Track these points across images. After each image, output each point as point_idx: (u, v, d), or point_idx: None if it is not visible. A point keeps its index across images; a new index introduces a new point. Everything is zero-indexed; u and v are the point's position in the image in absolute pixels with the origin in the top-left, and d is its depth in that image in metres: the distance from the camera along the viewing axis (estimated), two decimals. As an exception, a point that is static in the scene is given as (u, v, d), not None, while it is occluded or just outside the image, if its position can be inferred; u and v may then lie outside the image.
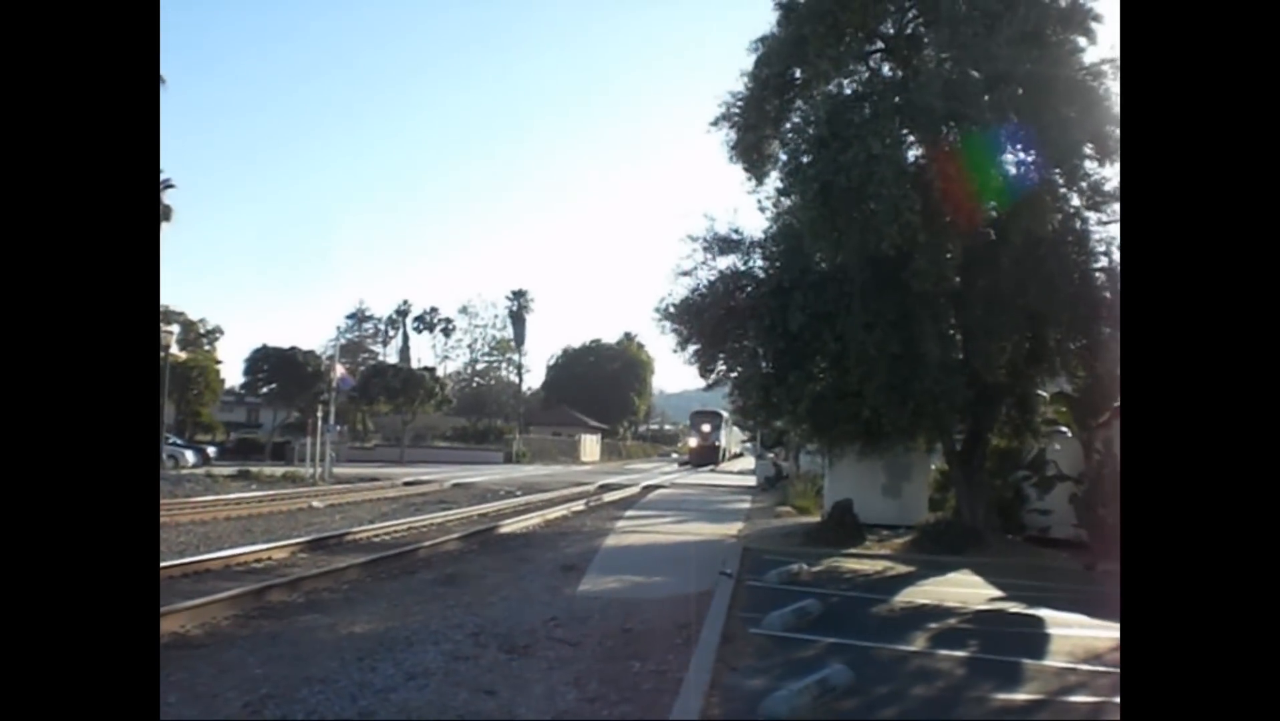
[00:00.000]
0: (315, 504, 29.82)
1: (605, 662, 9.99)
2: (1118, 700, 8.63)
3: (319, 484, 40.26)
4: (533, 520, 26.55)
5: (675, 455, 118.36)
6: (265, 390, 73.12)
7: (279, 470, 46.48)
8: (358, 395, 76.29)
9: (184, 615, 10.97)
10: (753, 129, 20.54)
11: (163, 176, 57.50)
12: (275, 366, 70.02)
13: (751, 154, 20.80)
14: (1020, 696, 8.84)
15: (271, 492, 33.53)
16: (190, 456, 51.60)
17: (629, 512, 31.02)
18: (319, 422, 45.57)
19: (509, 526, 24.31)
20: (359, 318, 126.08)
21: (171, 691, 8.26)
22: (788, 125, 19.85)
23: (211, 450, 58.63)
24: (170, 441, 50.66)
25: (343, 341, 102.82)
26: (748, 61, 21.05)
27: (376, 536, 21.49)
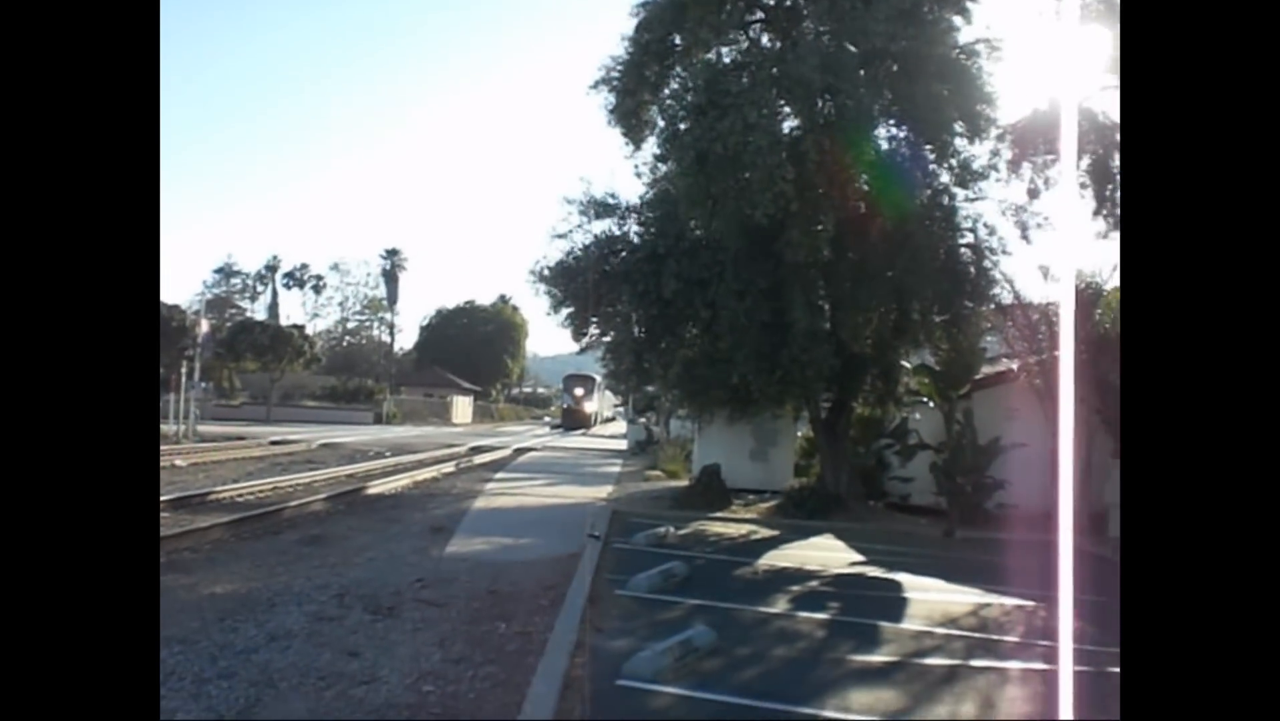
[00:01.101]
0: (178, 462, 29.08)
1: (471, 624, 10.01)
2: (972, 662, 8.99)
3: (182, 441, 39.21)
4: (402, 481, 26.33)
5: (548, 418, 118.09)
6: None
7: (140, 427, 45.11)
8: (224, 352, 74.48)
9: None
10: (631, 94, 20.52)
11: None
12: (137, 320, 67.84)
13: (630, 119, 20.79)
14: (877, 658, 9.10)
15: (131, 450, 32.58)
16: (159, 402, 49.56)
17: (500, 475, 30.95)
18: (183, 379, 44.39)
19: (377, 487, 24.08)
20: (226, 272, 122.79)
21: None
22: (666, 91, 19.89)
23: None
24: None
25: (209, 296, 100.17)
26: (629, 25, 21.03)
27: (241, 496, 21.06)
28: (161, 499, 18.51)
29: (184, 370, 45.68)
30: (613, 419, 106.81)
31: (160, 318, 66.56)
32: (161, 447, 34.80)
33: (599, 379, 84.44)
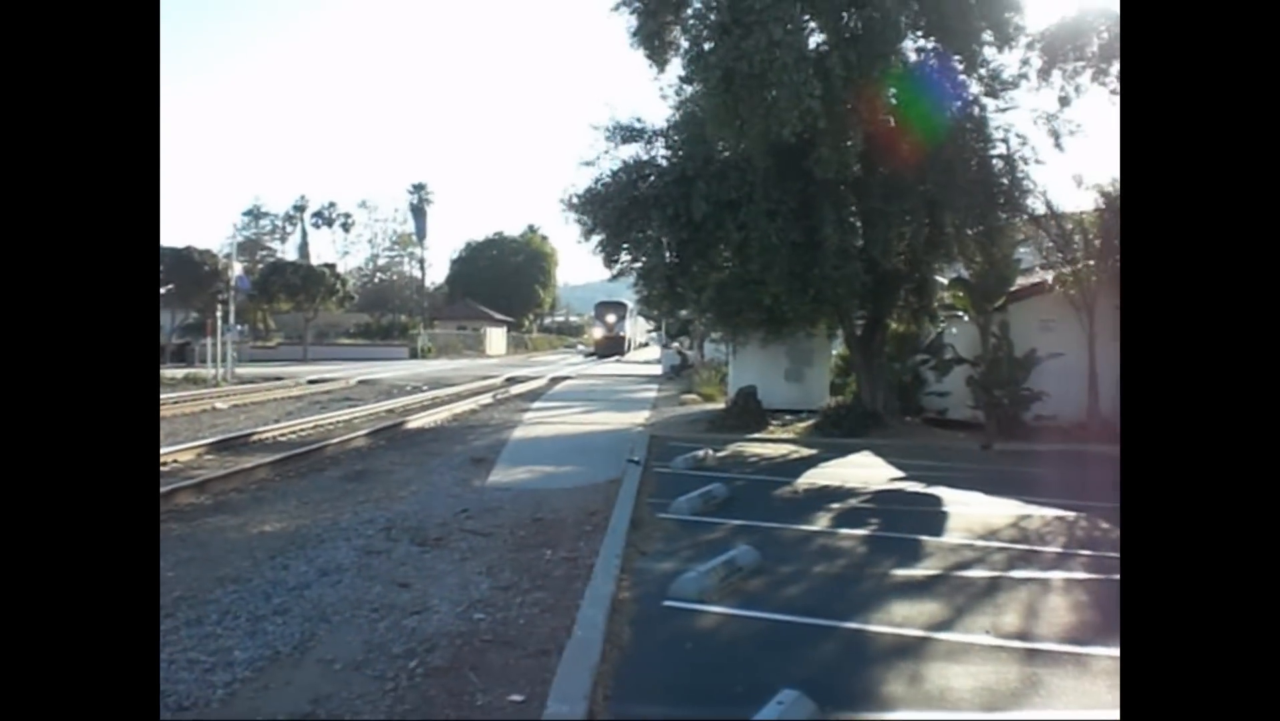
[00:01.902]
0: (219, 405, 29.45)
1: (517, 552, 10.14)
2: (1013, 574, 9.04)
3: (221, 384, 39.62)
4: (440, 414, 26.56)
5: (581, 347, 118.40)
6: (162, 291, 71.28)
7: (180, 372, 45.62)
8: (257, 293, 74.82)
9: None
10: (654, 15, 20.21)
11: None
12: (171, 267, 67.96)
13: (653, 40, 20.49)
14: (920, 572, 9.16)
15: (173, 395, 32.92)
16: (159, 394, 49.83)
17: (536, 404, 31.15)
18: (219, 323, 44.72)
19: (416, 421, 24.29)
20: (255, 214, 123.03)
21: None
22: (689, 11, 19.58)
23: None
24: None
25: (240, 239, 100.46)
26: (650, -56, 20.66)
27: (282, 435, 21.33)
28: (205, 441, 18.81)
29: (219, 314, 45.99)
30: (646, 345, 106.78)
31: (191, 262, 67.02)
32: (201, 391, 35.30)
33: (631, 305, 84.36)
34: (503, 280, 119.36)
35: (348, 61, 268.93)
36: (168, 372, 44.72)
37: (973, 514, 12.15)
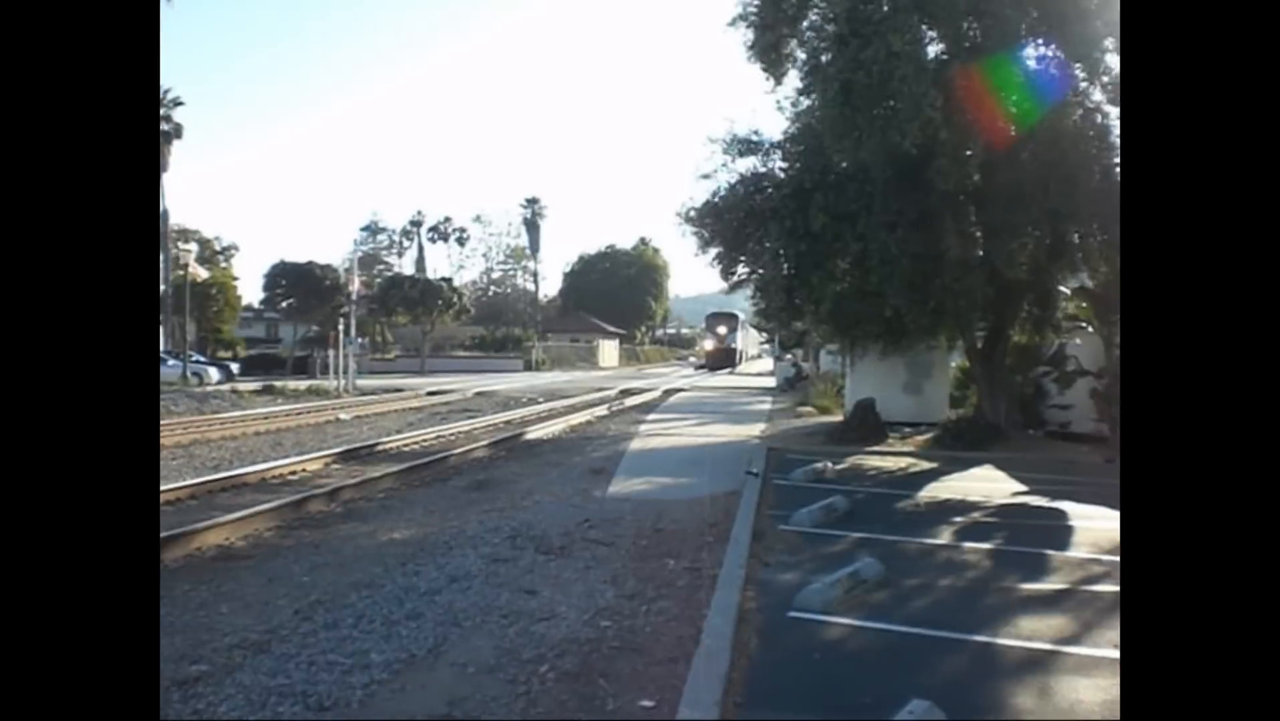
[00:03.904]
0: (342, 416, 30.16)
1: (640, 561, 10.25)
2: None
3: (343, 396, 40.63)
4: (557, 426, 26.84)
5: (693, 359, 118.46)
6: (284, 305, 73.25)
7: (302, 384, 46.86)
8: (376, 307, 76.49)
9: (227, 528, 11.24)
10: (770, 28, 20.22)
11: (172, 93, 57.32)
12: (293, 281, 70.01)
13: (770, 54, 20.50)
14: (1046, 586, 9.05)
15: (298, 406, 33.89)
16: (214, 373, 51.36)
17: (651, 416, 31.31)
18: (339, 336, 45.81)
19: (535, 432, 24.60)
20: (373, 230, 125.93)
21: (223, 601, 8.55)
22: (806, 23, 19.59)
23: (235, 366, 58.71)
24: (194, 359, 50.81)
25: (359, 254, 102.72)
26: (765, -42, 20.71)
27: (406, 446, 21.80)
28: (331, 451, 19.33)
29: (340, 327, 47.15)
30: (758, 356, 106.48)
31: (313, 276, 68.76)
32: (324, 402, 36.22)
33: (742, 316, 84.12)
34: (615, 292, 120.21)
35: (463, 78, 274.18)
36: (290, 385, 45.95)
37: (1098, 528, 11.93)
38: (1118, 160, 19.70)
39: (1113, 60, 18.57)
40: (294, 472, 16.87)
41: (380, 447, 20.94)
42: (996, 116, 18.51)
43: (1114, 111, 19.63)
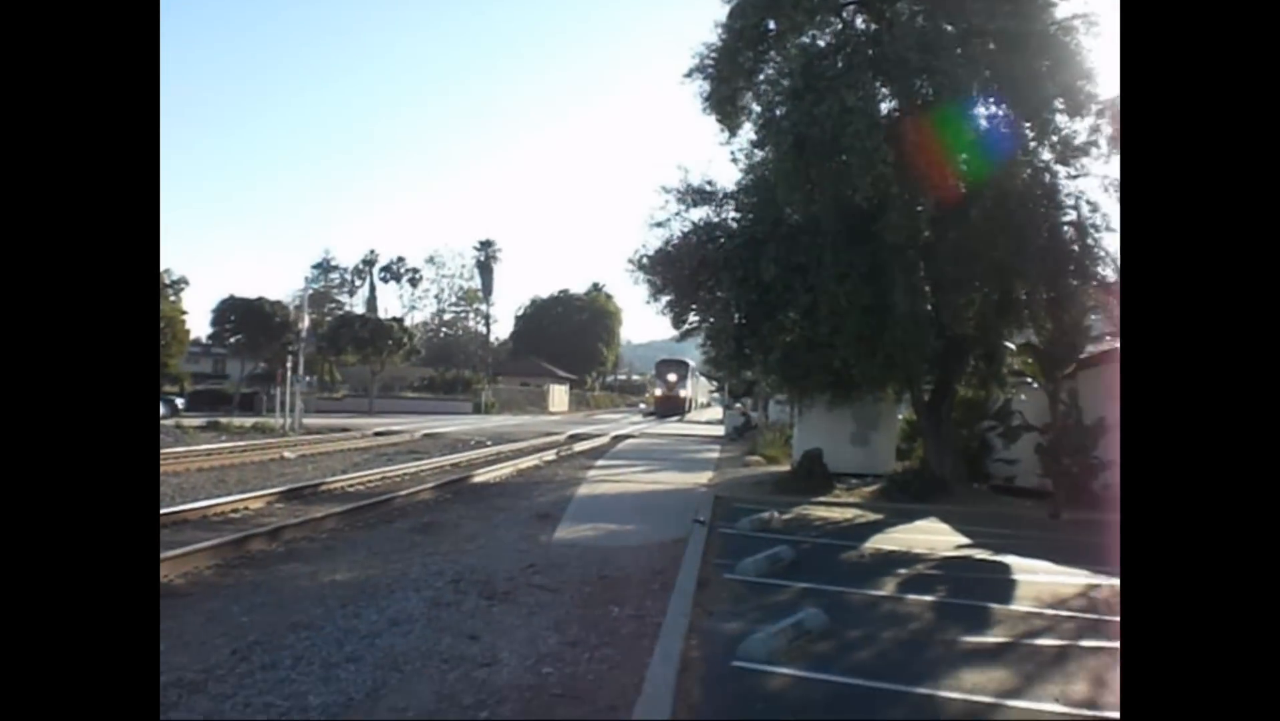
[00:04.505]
0: (287, 454, 29.85)
1: (584, 608, 10.18)
2: (1082, 643, 8.94)
3: (289, 434, 40.22)
4: (505, 469, 26.70)
5: (642, 405, 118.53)
6: (232, 341, 72.58)
7: (248, 421, 46.26)
8: (326, 345, 75.96)
9: (167, 565, 11.04)
10: (726, 81, 20.48)
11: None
12: (242, 317, 69.43)
13: (725, 106, 20.76)
14: (989, 639, 9.09)
15: (242, 444, 33.46)
16: (160, 408, 50.72)
17: (600, 462, 31.22)
18: (288, 373, 45.42)
19: (482, 476, 24.45)
20: (325, 267, 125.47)
21: (161, 639, 8.38)
22: (761, 77, 19.87)
23: (180, 401, 57.90)
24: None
25: (309, 292, 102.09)
26: (722, 12, 20.99)
27: (351, 486, 21.59)
28: (275, 490, 19.10)
29: (288, 364, 46.75)
30: (708, 404, 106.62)
31: (262, 313, 68.20)
32: (269, 440, 35.81)
33: (693, 364, 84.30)
34: (566, 337, 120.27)
35: (421, 118, 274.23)
36: (236, 421, 45.40)
37: (1041, 582, 12.03)
38: (1065, 219, 20.08)
39: (1061, 120, 18.95)
40: (236, 510, 16.64)
41: (325, 487, 20.72)
42: (947, 173, 18.82)
43: (1062, 170, 20.02)
